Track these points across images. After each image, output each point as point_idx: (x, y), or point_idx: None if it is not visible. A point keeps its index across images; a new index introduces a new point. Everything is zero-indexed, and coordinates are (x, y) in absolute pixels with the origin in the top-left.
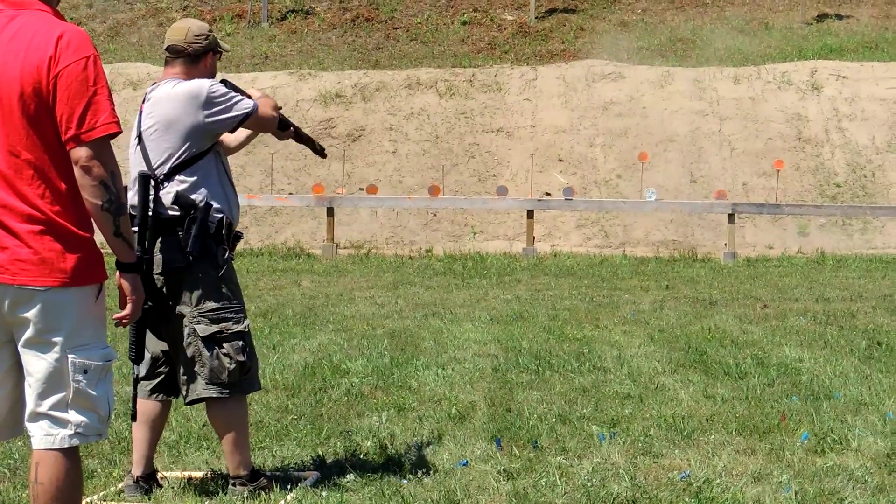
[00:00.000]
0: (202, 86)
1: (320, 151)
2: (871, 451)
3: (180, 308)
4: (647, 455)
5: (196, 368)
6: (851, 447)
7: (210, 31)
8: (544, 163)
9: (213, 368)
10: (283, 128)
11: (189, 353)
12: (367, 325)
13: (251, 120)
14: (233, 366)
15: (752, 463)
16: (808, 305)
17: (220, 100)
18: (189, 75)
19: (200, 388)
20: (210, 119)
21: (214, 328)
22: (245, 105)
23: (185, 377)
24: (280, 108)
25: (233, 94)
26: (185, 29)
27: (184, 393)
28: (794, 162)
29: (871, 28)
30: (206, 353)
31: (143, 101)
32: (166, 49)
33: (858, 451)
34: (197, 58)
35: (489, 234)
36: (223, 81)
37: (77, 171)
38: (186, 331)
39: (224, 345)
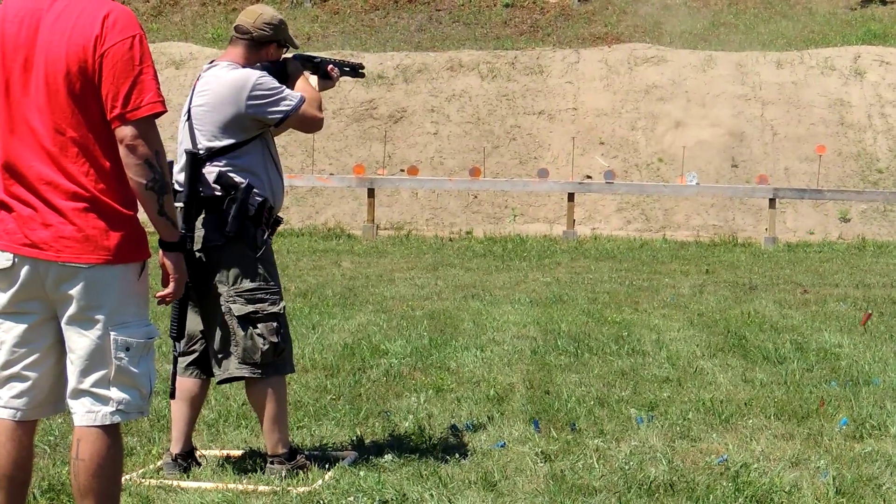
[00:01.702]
0: (249, 77)
1: (356, 69)
2: None
3: (217, 287)
4: (684, 439)
5: (230, 348)
6: (890, 433)
7: (282, 22)
8: (585, 146)
9: (246, 348)
10: (326, 76)
11: (224, 331)
12: (406, 306)
13: (293, 118)
14: (266, 346)
15: (790, 448)
16: (848, 291)
17: (264, 93)
18: (248, 60)
19: (233, 368)
20: (252, 111)
21: (250, 308)
22: (289, 102)
23: (218, 356)
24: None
25: (279, 89)
26: (256, 13)
27: (216, 371)
28: (836, 147)
29: None
30: (240, 332)
31: (198, 78)
32: (234, 28)
33: None
34: (260, 44)
35: (529, 216)
36: (295, 56)
37: (122, 150)
38: (223, 309)
39: (258, 325)
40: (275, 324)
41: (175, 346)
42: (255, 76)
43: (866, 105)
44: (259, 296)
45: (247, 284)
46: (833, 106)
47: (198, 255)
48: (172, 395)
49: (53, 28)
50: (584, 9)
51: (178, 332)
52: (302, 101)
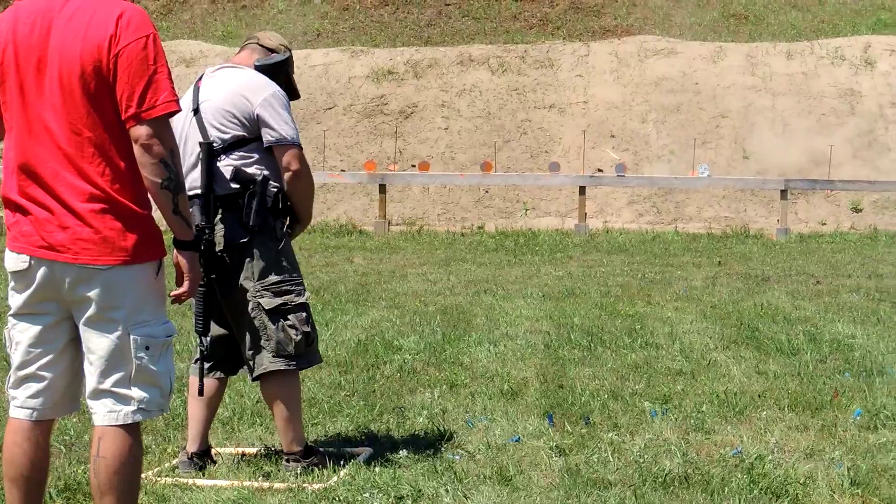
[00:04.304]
0: (271, 85)
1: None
2: None
3: (243, 283)
4: (699, 431)
5: (262, 342)
6: None
7: (290, 50)
8: (596, 139)
9: (279, 341)
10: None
11: (254, 326)
12: (419, 301)
13: (288, 149)
14: (299, 337)
15: (805, 439)
16: (860, 282)
17: (275, 109)
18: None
19: (267, 362)
20: (260, 112)
21: (278, 301)
22: (293, 133)
23: (250, 352)
24: None
25: (290, 117)
26: (270, 31)
27: (251, 367)
28: (848, 138)
29: None
30: (271, 326)
31: (200, 78)
32: (246, 38)
33: None
34: (266, 50)
35: (541, 210)
36: None
37: (137, 150)
38: (251, 304)
39: (289, 317)
40: (304, 314)
41: (202, 342)
42: (277, 87)
43: (877, 95)
44: (285, 287)
45: (273, 277)
46: (844, 96)
47: (221, 254)
48: (200, 392)
49: (67, 28)
50: (593, 1)
51: (204, 326)
52: (298, 142)
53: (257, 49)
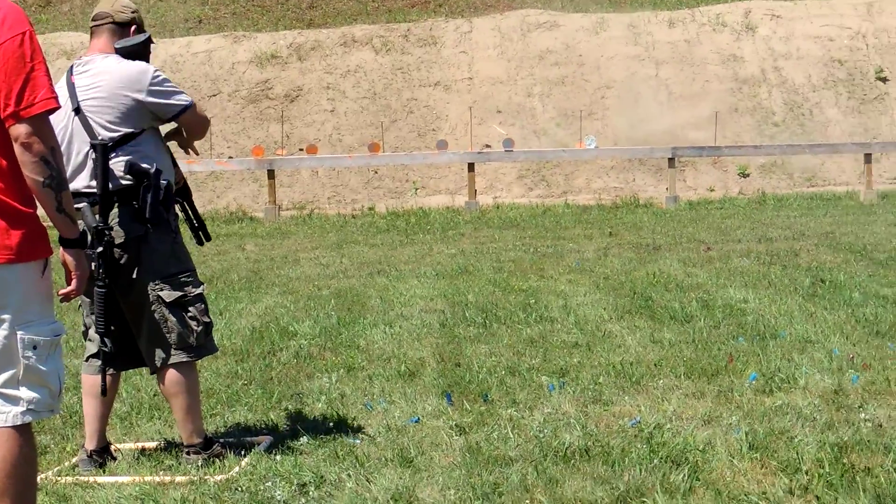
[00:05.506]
0: (147, 70)
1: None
2: (818, 388)
3: (141, 277)
4: (597, 403)
5: (163, 335)
6: (799, 385)
7: (137, 9)
8: (483, 115)
9: (180, 333)
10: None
11: (153, 320)
12: (312, 286)
13: (188, 114)
14: (200, 328)
15: (702, 406)
16: (751, 246)
17: (162, 87)
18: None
19: (169, 354)
20: (151, 102)
21: (178, 293)
22: (186, 98)
23: (151, 346)
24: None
25: (174, 85)
26: (112, 1)
27: (152, 360)
28: (732, 103)
29: None
30: (172, 318)
31: (71, 74)
32: (92, 18)
33: (806, 389)
34: (122, 26)
35: (431, 188)
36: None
37: (17, 148)
38: (150, 297)
39: (189, 308)
40: (203, 305)
41: (104, 342)
42: (152, 69)
43: (759, 60)
44: (183, 279)
45: (171, 270)
46: (726, 62)
47: (118, 252)
48: (104, 393)
49: None
50: None
51: (105, 326)
52: (192, 100)
53: (116, 30)
